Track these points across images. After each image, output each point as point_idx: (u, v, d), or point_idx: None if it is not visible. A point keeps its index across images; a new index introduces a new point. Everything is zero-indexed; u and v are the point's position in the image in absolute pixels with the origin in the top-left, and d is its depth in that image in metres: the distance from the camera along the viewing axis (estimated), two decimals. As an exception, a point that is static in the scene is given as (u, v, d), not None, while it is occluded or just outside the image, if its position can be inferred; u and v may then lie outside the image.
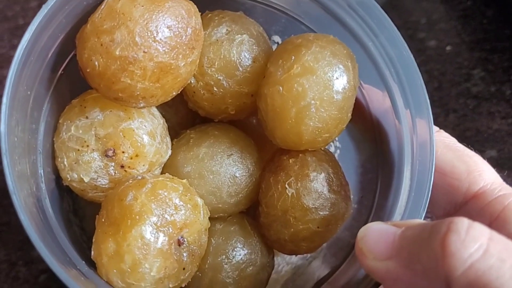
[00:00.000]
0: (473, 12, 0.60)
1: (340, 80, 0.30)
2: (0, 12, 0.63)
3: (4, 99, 0.25)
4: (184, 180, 0.32)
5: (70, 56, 0.31)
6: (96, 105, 0.31)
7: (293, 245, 0.34)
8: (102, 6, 0.28)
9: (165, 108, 0.36)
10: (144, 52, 0.27)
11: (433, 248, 0.23)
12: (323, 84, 0.30)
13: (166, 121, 0.35)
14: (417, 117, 0.30)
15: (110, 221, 0.29)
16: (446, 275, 0.23)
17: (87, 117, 0.31)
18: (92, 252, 0.30)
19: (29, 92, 0.28)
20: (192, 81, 0.33)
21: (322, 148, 0.35)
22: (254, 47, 0.33)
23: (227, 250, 0.34)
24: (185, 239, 0.31)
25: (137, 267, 0.28)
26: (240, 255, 0.34)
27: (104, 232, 0.29)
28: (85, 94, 0.32)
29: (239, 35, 0.33)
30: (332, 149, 0.40)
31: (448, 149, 0.33)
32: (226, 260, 0.33)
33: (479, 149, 0.47)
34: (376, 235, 0.26)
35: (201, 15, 0.32)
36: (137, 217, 0.29)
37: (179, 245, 0.30)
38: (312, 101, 0.30)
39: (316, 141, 0.32)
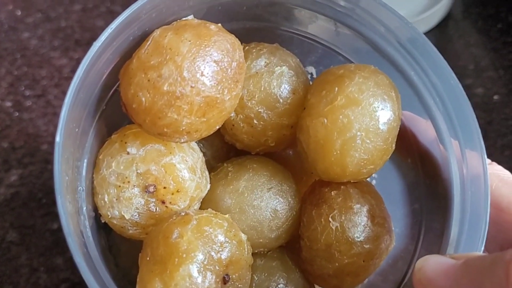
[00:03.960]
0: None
1: (385, 111, 0.30)
2: (43, 12, 0.64)
3: (58, 138, 0.24)
4: (227, 216, 0.31)
5: (112, 91, 0.31)
6: (136, 140, 0.31)
7: (337, 280, 0.33)
8: (148, 42, 0.28)
9: (200, 141, 0.36)
10: (191, 86, 0.27)
11: (497, 275, 0.22)
12: (369, 115, 0.30)
13: (202, 155, 0.35)
14: (467, 148, 0.30)
15: (156, 259, 0.29)
16: None
17: (128, 153, 0.31)
18: (138, 294, 0.29)
19: (77, 130, 0.27)
20: (231, 115, 0.33)
21: (363, 180, 0.34)
22: (293, 79, 0.33)
23: (270, 287, 0.33)
24: (230, 277, 0.30)
25: (185, 307, 0.28)
26: (283, 291, 0.33)
27: (150, 271, 0.28)
28: (125, 129, 0.32)
29: (279, 67, 0.33)
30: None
31: (504, 183, 0.31)
32: (270, 297, 0.32)
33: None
34: (435, 266, 0.25)
35: None
36: (184, 255, 0.28)
37: (225, 283, 0.30)
38: (358, 133, 0.30)
39: (360, 173, 0.31)
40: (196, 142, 0.35)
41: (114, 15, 0.65)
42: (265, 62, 0.33)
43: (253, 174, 0.34)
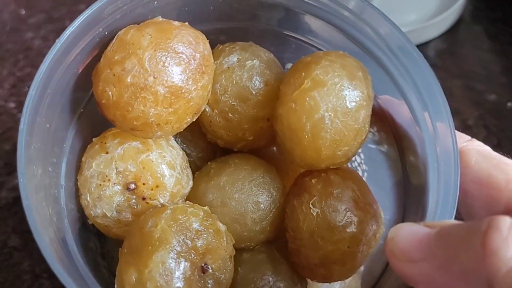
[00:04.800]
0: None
1: (351, 90, 0.30)
2: (46, 12, 0.64)
3: (21, 125, 0.26)
4: (206, 207, 0.31)
5: (89, 96, 0.32)
6: (115, 139, 0.32)
7: (325, 270, 0.32)
8: (114, 40, 0.29)
9: (184, 142, 0.37)
10: (154, 77, 0.28)
11: (472, 247, 0.21)
12: (335, 95, 0.30)
13: (186, 156, 0.35)
14: (437, 121, 0.29)
15: (132, 250, 0.29)
16: (487, 276, 0.21)
17: (107, 152, 0.32)
18: (116, 285, 0.29)
19: (48, 125, 0.29)
20: (207, 110, 0.33)
21: (345, 166, 0.34)
22: (265, 71, 0.34)
23: (255, 279, 0.32)
24: (209, 266, 0.30)
25: (160, 294, 0.28)
26: (269, 283, 0.32)
27: (126, 262, 0.29)
28: (105, 132, 0.33)
29: (250, 61, 0.33)
30: (360, 173, 0.39)
31: (483, 157, 0.31)
32: (255, 289, 0.32)
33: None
34: (407, 235, 0.24)
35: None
36: (157, 243, 0.28)
37: (203, 272, 0.30)
38: (326, 113, 0.30)
39: (336, 156, 0.31)
40: (178, 142, 0.36)
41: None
42: (237, 58, 0.34)
43: (234, 169, 0.34)
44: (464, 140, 0.31)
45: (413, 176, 0.33)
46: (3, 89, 0.57)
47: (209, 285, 0.30)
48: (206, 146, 0.37)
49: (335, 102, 0.30)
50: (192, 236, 0.29)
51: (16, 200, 0.49)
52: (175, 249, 0.29)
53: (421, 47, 0.62)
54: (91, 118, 0.33)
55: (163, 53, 0.28)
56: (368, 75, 0.32)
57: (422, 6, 0.64)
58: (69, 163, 0.32)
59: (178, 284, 0.28)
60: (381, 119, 0.34)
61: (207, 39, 0.31)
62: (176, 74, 0.29)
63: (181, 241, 0.29)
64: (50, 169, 0.30)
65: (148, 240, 0.28)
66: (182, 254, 0.29)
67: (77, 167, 0.33)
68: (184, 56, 0.29)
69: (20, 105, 0.55)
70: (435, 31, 0.62)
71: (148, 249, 0.28)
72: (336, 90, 0.30)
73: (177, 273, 0.28)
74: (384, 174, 0.37)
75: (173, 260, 0.28)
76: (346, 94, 0.30)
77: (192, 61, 0.29)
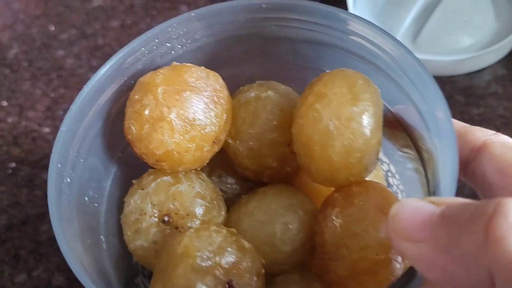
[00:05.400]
0: None
1: (353, 96, 0.31)
2: (78, 28, 0.61)
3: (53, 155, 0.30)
4: (232, 229, 0.33)
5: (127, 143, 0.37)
6: (149, 177, 0.35)
7: (355, 282, 0.31)
8: (135, 85, 0.34)
9: (219, 180, 0.39)
10: (167, 108, 0.32)
11: (475, 231, 0.20)
12: (336, 103, 0.31)
13: (222, 193, 0.37)
14: (435, 110, 0.29)
15: (160, 269, 0.31)
16: (488, 264, 0.19)
17: (142, 188, 0.35)
18: (147, 304, 0.31)
19: (82, 160, 0.33)
20: (230, 142, 0.36)
21: (371, 180, 0.34)
22: (280, 100, 0.36)
23: (287, 297, 0.32)
24: (234, 282, 0.30)
25: (183, 307, 0.29)
26: (301, 301, 0.32)
27: (154, 281, 0.31)
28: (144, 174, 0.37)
29: (265, 93, 0.36)
30: (399, 196, 0.39)
31: (508, 149, 0.29)
32: (287, 309, 0.32)
33: None
34: (410, 213, 0.23)
35: None
36: (180, 258, 0.30)
37: (229, 288, 0.30)
38: (330, 122, 0.31)
39: (351, 164, 0.32)
40: (214, 180, 0.38)
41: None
42: (255, 93, 0.37)
43: (262, 196, 0.36)
44: (489, 134, 0.31)
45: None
46: (37, 112, 0.56)
47: (236, 301, 0.30)
48: (240, 183, 0.39)
49: (337, 110, 0.31)
50: (216, 252, 0.30)
51: None
52: (198, 264, 0.30)
53: (476, 73, 0.58)
54: (131, 163, 0.37)
55: (175, 87, 0.32)
56: (372, 84, 0.33)
57: (480, 30, 0.59)
58: (110, 203, 0.35)
59: (202, 298, 0.29)
60: (399, 129, 0.35)
61: (226, 84, 0.35)
62: (187, 103, 0.32)
63: (204, 256, 0.30)
64: (86, 199, 0.33)
65: (172, 257, 0.30)
66: (206, 269, 0.30)
67: (118, 208, 0.36)
68: (194, 88, 0.33)
69: (55, 131, 0.52)
70: (494, 57, 0.58)
71: (172, 264, 0.30)
72: (336, 98, 0.31)
73: (201, 287, 0.29)
74: (420, 191, 0.36)
75: (196, 275, 0.29)
76: (346, 101, 0.31)
77: (204, 92, 0.33)
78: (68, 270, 0.47)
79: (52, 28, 0.62)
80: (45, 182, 0.50)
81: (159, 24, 0.34)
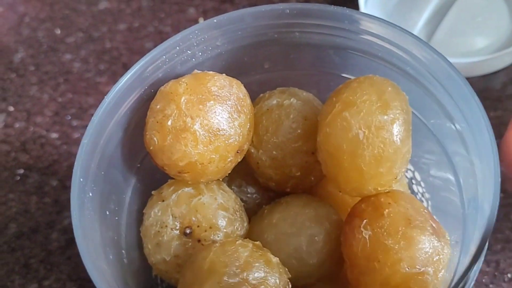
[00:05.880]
0: None
1: (383, 104, 0.30)
2: (84, 31, 0.59)
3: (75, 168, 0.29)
4: (257, 242, 0.32)
5: (145, 153, 0.35)
6: (170, 188, 0.34)
7: (387, 296, 0.30)
8: (157, 94, 0.33)
9: (240, 190, 0.38)
10: (191, 118, 0.31)
11: None
12: (366, 111, 0.30)
13: (243, 203, 0.36)
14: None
15: (185, 284, 0.30)
16: None
17: (163, 200, 0.34)
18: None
19: (103, 173, 0.32)
20: (253, 151, 0.35)
21: (398, 190, 0.33)
22: (303, 107, 0.35)
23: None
24: (262, 298, 0.29)
25: (212, 325, 0.28)
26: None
27: (180, 297, 0.30)
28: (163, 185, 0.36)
29: (287, 100, 0.35)
30: (425, 203, 0.38)
31: None
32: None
33: None
34: None
35: None
36: (207, 274, 0.29)
37: (256, 304, 0.29)
38: (360, 131, 0.30)
39: (380, 174, 0.31)
40: (235, 190, 0.37)
41: (163, 35, 0.59)
42: (277, 100, 0.36)
43: (286, 206, 0.35)
44: None
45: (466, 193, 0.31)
46: (44, 117, 0.55)
47: (264, 317, 0.29)
48: (261, 192, 0.38)
49: (366, 118, 0.30)
50: (242, 267, 0.30)
51: (69, 243, 0.46)
52: (225, 281, 0.29)
53: (491, 75, 0.56)
54: (150, 174, 0.36)
55: (198, 96, 0.31)
56: (401, 91, 0.32)
57: (494, 32, 0.57)
58: (130, 215, 0.34)
59: (230, 314, 0.28)
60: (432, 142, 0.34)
61: (247, 90, 0.34)
62: (211, 113, 0.31)
63: (231, 272, 0.29)
64: (108, 213, 0.32)
65: (198, 273, 0.29)
66: (233, 286, 0.29)
67: (138, 220, 0.35)
68: (218, 97, 0.32)
69: (63, 136, 0.52)
70: (510, 59, 0.56)
71: (199, 281, 0.29)
72: (366, 106, 0.30)
73: (229, 304, 0.28)
74: (447, 199, 0.35)
75: (224, 291, 0.29)
76: (376, 109, 0.30)
77: (227, 101, 0.32)
78: (80, 279, 0.45)
79: (58, 31, 0.61)
80: (54, 189, 0.50)
81: (180, 32, 0.33)
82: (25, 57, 0.63)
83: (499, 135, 0.51)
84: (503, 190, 0.47)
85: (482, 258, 0.27)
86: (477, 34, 0.58)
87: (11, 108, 0.59)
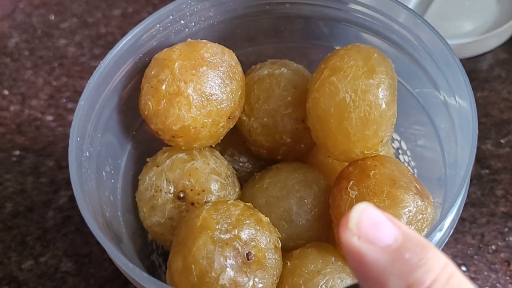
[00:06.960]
0: None
1: (369, 69, 0.31)
2: (79, 16, 0.60)
3: (72, 128, 0.30)
4: (248, 203, 0.33)
5: (141, 120, 0.36)
6: (164, 154, 0.35)
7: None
8: (151, 61, 0.34)
9: (232, 159, 0.39)
10: (185, 83, 0.32)
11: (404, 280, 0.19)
12: (352, 76, 0.31)
13: (235, 171, 0.38)
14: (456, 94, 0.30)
15: (179, 242, 0.31)
16: None
17: (157, 166, 0.35)
18: (166, 277, 0.31)
19: (99, 135, 0.33)
20: (244, 119, 0.36)
21: (384, 155, 0.34)
22: (293, 76, 0.36)
23: (304, 269, 0.32)
24: (253, 254, 0.31)
25: (205, 277, 0.29)
26: (318, 272, 0.32)
27: (174, 253, 0.31)
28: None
29: (278, 70, 0.36)
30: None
31: None
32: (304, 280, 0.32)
33: None
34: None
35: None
36: (199, 230, 0.30)
37: (248, 259, 0.30)
38: (346, 94, 0.31)
39: (367, 137, 0.32)
40: (227, 159, 0.39)
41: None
42: (267, 71, 0.37)
43: (276, 172, 0.36)
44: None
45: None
46: (39, 100, 0.55)
47: (256, 273, 0.30)
48: (253, 161, 0.39)
49: (353, 82, 0.31)
50: (234, 224, 0.31)
51: (65, 221, 0.47)
52: (217, 235, 0.30)
53: (478, 57, 0.58)
54: (145, 143, 0.37)
55: (191, 62, 0.32)
56: (387, 58, 0.33)
57: (481, 15, 0.59)
58: (125, 180, 0.35)
59: (222, 267, 0.29)
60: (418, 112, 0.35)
61: (239, 61, 0.35)
62: (204, 78, 0.32)
63: (222, 228, 0.30)
64: (104, 174, 0.33)
65: (191, 230, 0.30)
66: (225, 241, 0.30)
67: (133, 186, 0.36)
68: (210, 63, 0.33)
69: (58, 118, 0.53)
70: (496, 41, 0.58)
71: (192, 237, 0.30)
72: (352, 71, 0.32)
73: (221, 258, 0.29)
74: (431, 166, 0.36)
75: (216, 245, 0.30)
76: (362, 73, 0.31)
77: (219, 67, 0.33)
78: (76, 255, 0.45)
79: (53, 17, 0.62)
80: (50, 169, 0.51)
81: (173, 1, 0.34)
82: (19, 41, 0.64)
83: (486, 114, 0.53)
84: (487, 166, 0.48)
85: (455, 210, 0.28)
86: (465, 18, 0.60)
87: (6, 92, 0.60)
